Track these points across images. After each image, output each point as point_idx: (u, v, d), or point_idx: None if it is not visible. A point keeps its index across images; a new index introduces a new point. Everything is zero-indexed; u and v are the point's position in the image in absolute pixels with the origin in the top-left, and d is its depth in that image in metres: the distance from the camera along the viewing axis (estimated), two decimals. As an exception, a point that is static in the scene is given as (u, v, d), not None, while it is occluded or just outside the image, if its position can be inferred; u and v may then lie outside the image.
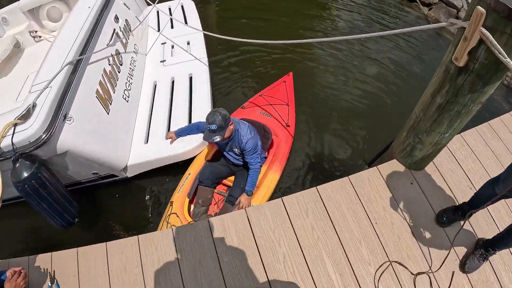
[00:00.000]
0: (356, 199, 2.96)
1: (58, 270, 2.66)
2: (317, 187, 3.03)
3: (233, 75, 5.59)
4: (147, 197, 3.96)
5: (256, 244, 2.73)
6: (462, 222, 2.45)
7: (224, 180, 3.74)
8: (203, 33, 3.89)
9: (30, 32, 5.51)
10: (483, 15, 1.62)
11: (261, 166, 3.40)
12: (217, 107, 3.07)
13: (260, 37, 3.41)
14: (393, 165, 3.14)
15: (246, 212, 2.91)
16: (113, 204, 3.93)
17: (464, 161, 3.24)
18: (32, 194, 2.73)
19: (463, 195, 2.97)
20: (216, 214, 3.51)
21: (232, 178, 3.68)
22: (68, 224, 3.13)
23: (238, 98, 5.09)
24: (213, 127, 2.88)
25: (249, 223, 2.84)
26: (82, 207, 3.36)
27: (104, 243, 2.84)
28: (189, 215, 3.35)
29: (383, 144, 3.56)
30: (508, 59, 1.64)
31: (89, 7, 3.94)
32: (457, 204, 2.87)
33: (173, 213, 3.32)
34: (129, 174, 3.76)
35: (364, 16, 7.28)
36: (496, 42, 1.64)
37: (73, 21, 3.77)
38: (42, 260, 2.78)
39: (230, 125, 3.01)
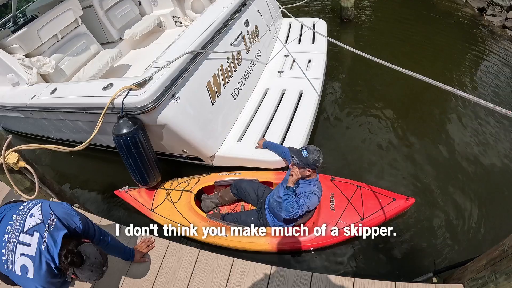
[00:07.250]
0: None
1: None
2: (355, 279, 2.56)
3: (347, 109, 5.12)
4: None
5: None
6: None
7: (239, 203, 3.87)
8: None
9: (173, 16, 6.33)
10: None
11: (291, 212, 2.89)
12: (314, 144, 3.06)
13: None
14: (457, 292, 2.39)
15: (270, 270, 2.72)
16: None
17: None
18: (124, 149, 3.23)
19: None
20: (232, 211, 3.76)
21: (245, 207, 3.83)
22: (145, 183, 3.62)
23: (339, 140, 4.65)
24: (305, 153, 2.83)
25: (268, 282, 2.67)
26: (163, 175, 3.80)
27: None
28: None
29: (475, 254, 2.56)
30: None
31: (223, 7, 4.34)
32: None
33: (189, 191, 3.69)
34: (215, 163, 4.05)
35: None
36: None
37: (205, 17, 4.21)
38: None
39: (308, 171, 2.91)
